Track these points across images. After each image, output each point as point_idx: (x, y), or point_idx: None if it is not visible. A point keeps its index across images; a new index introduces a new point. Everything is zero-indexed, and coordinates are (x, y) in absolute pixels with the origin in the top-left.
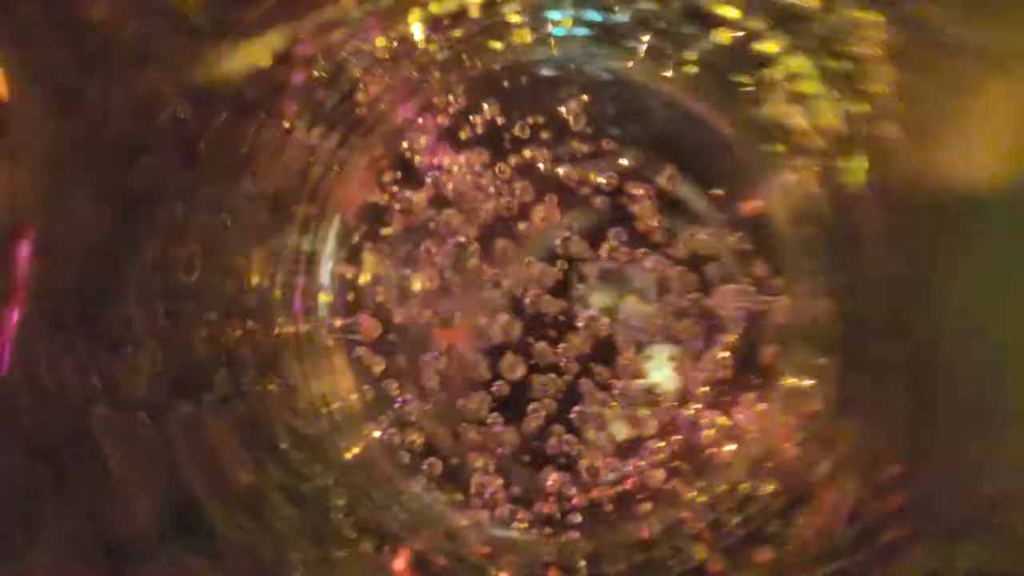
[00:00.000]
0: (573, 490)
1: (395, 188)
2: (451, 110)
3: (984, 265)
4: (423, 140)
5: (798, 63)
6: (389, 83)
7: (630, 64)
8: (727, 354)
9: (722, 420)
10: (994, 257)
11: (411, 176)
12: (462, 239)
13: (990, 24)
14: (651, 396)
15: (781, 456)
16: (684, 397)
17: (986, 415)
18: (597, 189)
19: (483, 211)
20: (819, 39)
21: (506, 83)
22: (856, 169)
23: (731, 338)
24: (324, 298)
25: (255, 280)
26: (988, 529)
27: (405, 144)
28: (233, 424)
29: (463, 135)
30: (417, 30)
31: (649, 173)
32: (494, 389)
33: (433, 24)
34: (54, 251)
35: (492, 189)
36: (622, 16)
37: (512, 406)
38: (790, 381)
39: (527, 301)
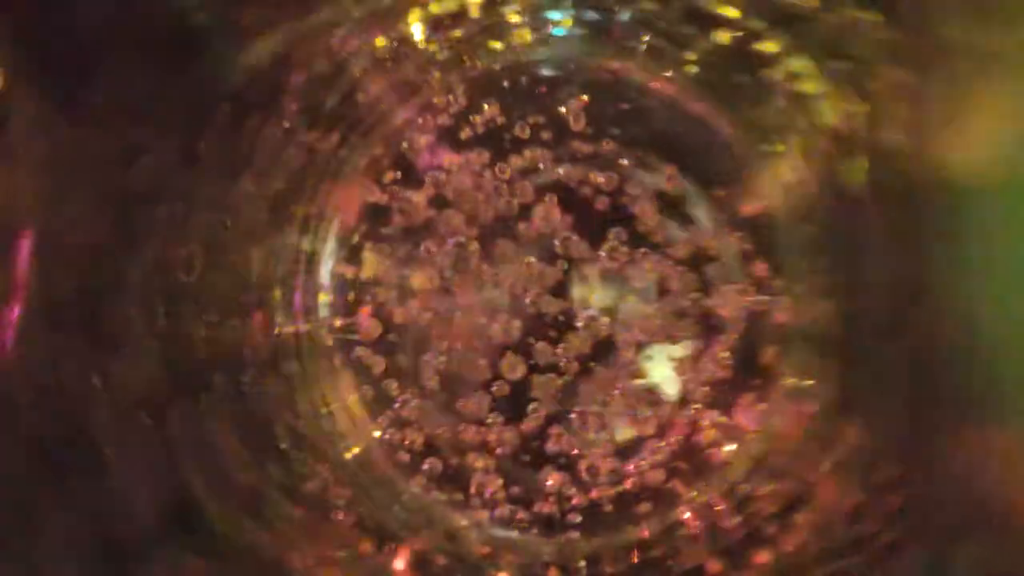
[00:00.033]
0: (573, 490)
1: (395, 188)
2: (451, 110)
3: (984, 265)
4: (423, 140)
5: (798, 63)
6: (389, 83)
7: (630, 64)
8: (727, 354)
9: (722, 420)
10: (994, 257)
11: (411, 176)
12: (462, 239)
13: (990, 24)
14: (651, 396)
15: (781, 456)
16: (684, 397)
17: (986, 415)
18: (597, 189)
19: (483, 211)
20: (819, 39)
21: (506, 83)
22: (856, 169)
23: (731, 338)
24: (324, 298)
25: (255, 280)
26: (988, 529)
27: (405, 144)
28: (233, 424)
29: (463, 135)
30: (417, 30)
31: (649, 173)
32: (494, 389)
33: (433, 24)
34: (54, 251)
35: (492, 189)
36: (622, 16)
37: (512, 406)
38: (790, 381)
39: (527, 301)
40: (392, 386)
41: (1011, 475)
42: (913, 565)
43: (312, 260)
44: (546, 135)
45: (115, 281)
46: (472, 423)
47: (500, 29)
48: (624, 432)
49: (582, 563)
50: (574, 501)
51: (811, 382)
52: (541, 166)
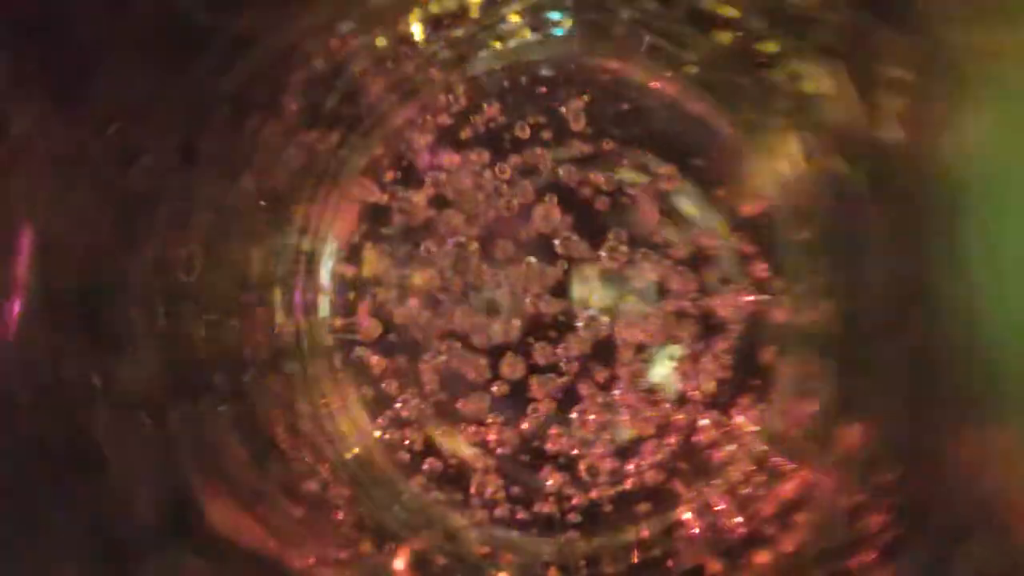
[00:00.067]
0: (573, 490)
1: (395, 188)
2: (451, 110)
3: (984, 265)
4: (423, 140)
5: (798, 63)
6: (389, 83)
7: (630, 64)
8: (727, 354)
9: (722, 420)
10: (994, 256)
11: (411, 176)
12: (462, 239)
13: (990, 24)
14: (651, 396)
15: (781, 456)
16: (683, 396)
17: (986, 415)
18: (597, 189)
19: (483, 211)
20: (819, 40)
21: (506, 83)
22: (856, 169)
23: (731, 338)
24: (324, 298)
25: (255, 280)
26: (988, 529)
27: (405, 144)
28: (233, 424)
29: (463, 135)
30: (417, 30)
31: (649, 173)
32: (494, 389)
33: (433, 24)
34: (55, 251)
35: (492, 189)
36: (622, 16)
37: (512, 406)
38: (790, 381)
39: (527, 301)
40: (392, 386)
41: (1011, 475)
42: (913, 565)
43: (312, 260)
44: (546, 135)
45: (115, 281)
46: (472, 423)
47: (500, 29)
48: (624, 432)
49: (582, 563)
50: (574, 501)
51: (811, 382)
52: (541, 166)
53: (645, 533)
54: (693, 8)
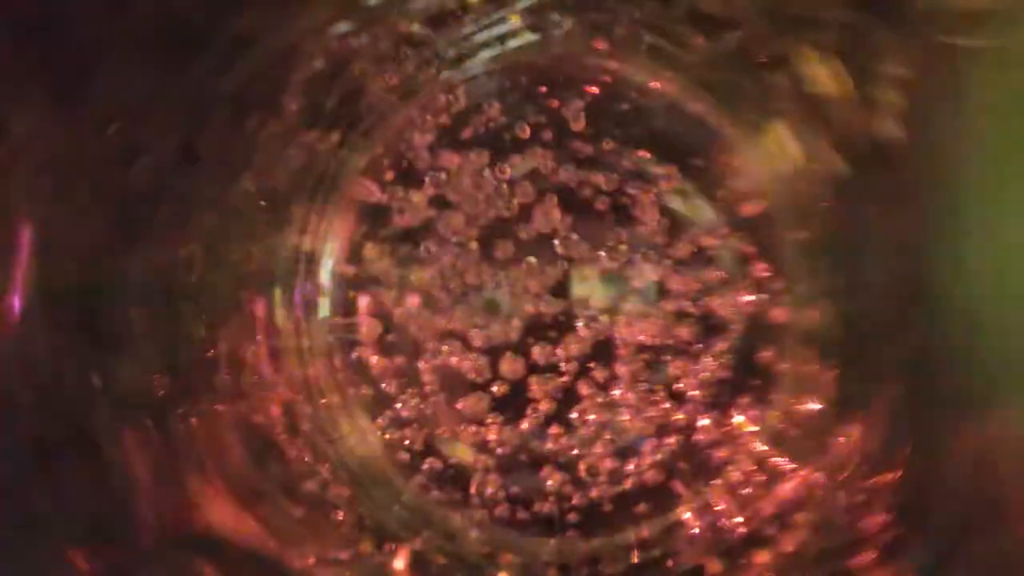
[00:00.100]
0: (573, 490)
1: (395, 188)
2: (451, 110)
3: (984, 265)
4: (423, 140)
5: (799, 63)
6: (389, 83)
7: (630, 64)
8: (727, 354)
9: (722, 420)
10: (993, 256)
11: (411, 176)
12: (462, 239)
13: (991, 24)
14: (650, 396)
15: (781, 456)
16: (683, 396)
17: (986, 415)
18: (597, 189)
19: (483, 211)
20: (819, 40)
21: (506, 83)
22: (856, 169)
23: (731, 338)
24: (324, 298)
25: (255, 279)
26: (988, 529)
27: (405, 144)
28: (233, 424)
29: (463, 135)
30: (417, 30)
31: (649, 173)
32: (494, 389)
33: (433, 24)
34: (54, 250)
35: (492, 189)
36: (622, 16)
37: (512, 406)
38: (790, 381)
39: (527, 301)
40: (392, 386)
41: (1011, 475)
42: (913, 565)
43: (312, 260)
44: (546, 135)
45: (115, 281)
46: (472, 423)
47: (500, 29)
48: (624, 432)
49: (582, 563)
50: (574, 501)
51: (811, 382)
52: (541, 166)
53: (645, 533)
54: (693, 8)
